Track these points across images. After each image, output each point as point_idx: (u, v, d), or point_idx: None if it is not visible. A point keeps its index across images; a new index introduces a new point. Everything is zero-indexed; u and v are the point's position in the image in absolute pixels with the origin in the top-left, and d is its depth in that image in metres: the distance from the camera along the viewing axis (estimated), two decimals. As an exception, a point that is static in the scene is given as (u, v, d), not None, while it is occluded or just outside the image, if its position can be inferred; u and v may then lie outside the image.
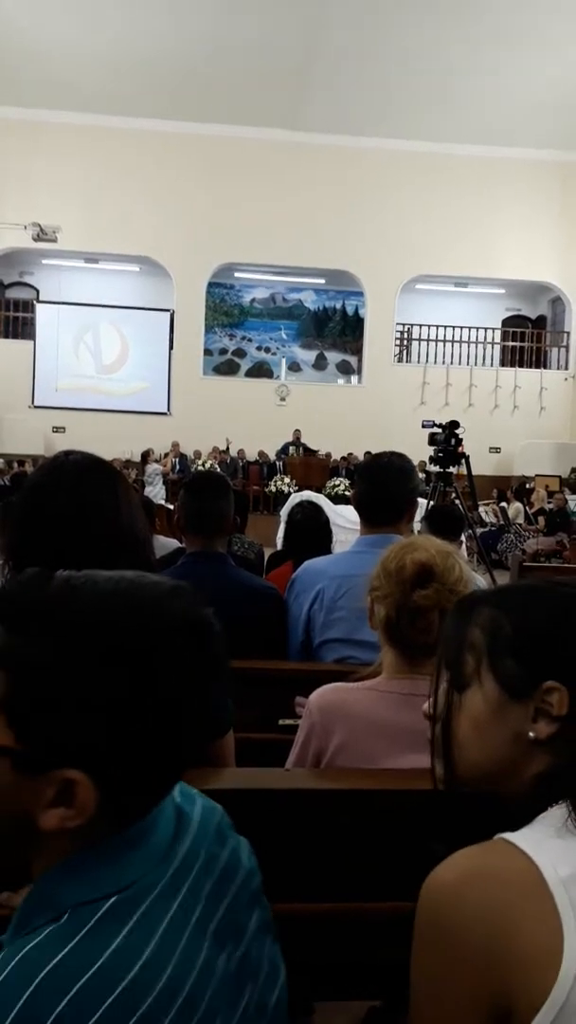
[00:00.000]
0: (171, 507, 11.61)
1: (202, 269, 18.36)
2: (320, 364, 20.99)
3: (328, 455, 17.10)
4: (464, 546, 6.55)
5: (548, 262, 18.67)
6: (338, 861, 1.42)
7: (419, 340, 19.28)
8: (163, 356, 18.37)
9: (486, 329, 19.56)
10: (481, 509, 13.51)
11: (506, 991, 0.76)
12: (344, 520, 5.81)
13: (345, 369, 20.89)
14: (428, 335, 19.14)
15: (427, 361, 18.94)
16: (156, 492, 14.55)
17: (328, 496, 10.58)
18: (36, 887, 0.77)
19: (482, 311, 20.39)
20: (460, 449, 6.86)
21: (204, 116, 17.18)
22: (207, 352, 19.40)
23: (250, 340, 20.84)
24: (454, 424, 6.93)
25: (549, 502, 14.47)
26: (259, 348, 20.83)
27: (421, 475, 7.58)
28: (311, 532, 3.82)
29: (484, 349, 19.31)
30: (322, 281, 20.14)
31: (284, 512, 5.63)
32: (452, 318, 19.38)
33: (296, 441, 17.27)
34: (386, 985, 1.68)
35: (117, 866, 0.76)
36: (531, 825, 0.86)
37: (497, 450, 17.99)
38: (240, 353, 20.80)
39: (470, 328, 19.26)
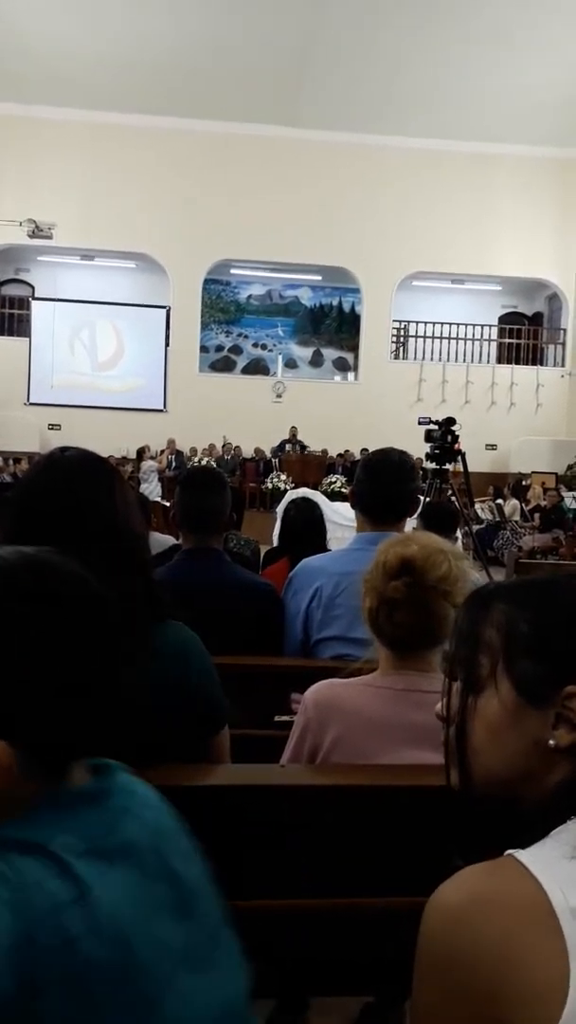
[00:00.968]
0: (167, 504, 11.63)
1: (198, 266, 18.34)
2: (316, 361, 20.98)
3: (324, 452, 17.10)
4: (460, 543, 6.55)
5: (545, 259, 18.67)
6: (333, 857, 1.43)
7: (416, 337, 19.28)
8: (159, 353, 18.35)
9: (483, 326, 19.56)
10: (477, 506, 13.52)
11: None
12: (340, 517, 5.82)
13: (342, 366, 20.88)
14: (425, 332, 19.13)
15: (423, 358, 18.93)
16: (152, 489, 14.54)
17: (324, 493, 10.56)
18: None
19: (479, 308, 20.39)
20: (456, 446, 6.85)
21: (201, 113, 17.14)
22: (203, 349, 19.38)
23: (246, 337, 20.81)
24: (450, 421, 6.92)
25: (545, 499, 14.48)
26: (255, 345, 20.81)
27: (417, 472, 7.55)
28: (305, 527, 3.83)
29: (481, 346, 19.30)
30: (319, 278, 20.12)
31: (280, 509, 5.64)
32: (449, 315, 19.37)
33: (292, 438, 17.26)
34: (380, 981, 1.69)
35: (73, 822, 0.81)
36: (544, 842, 0.81)
37: (493, 447, 18.00)
38: (236, 350, 20.77)
39: (467, 325, 19.25)
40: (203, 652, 1.51)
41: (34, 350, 17.88)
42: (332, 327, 20.96)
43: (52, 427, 17.31)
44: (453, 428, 6.86)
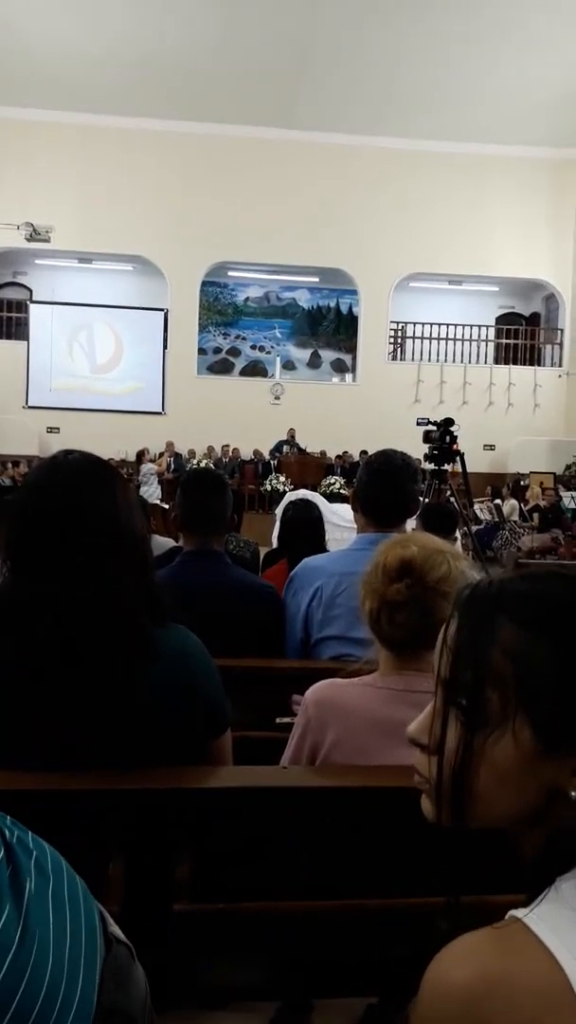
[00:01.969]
0: (166, 507, 11.63)
1: (196, 268, 18.35)
2: (314, 363, 20.99)
3: (323, 454, 17.10)
4: (459, 543, 6.56)
5: (541, 259, 18.69)
6: (335, 858, 1.43)
7: (413, 338, 19.28)
8: (157, 355, 18.35)
9: (480, 327, 19.58)
10: (476, 506, 13.53)
11: None
12: (339, 519, 5.81)
13: (339, 367, 20.89)
14: (422, 333, 19.14)
15: (421, 359, 18.94)
16: (152, 492, 14.55)
17: (323, 495, 10.55)
18: None
19: (476, 309, 20.40)
20: (455, 447, 6.85)
21: (198, 115, 17.16)
22: (201, 351, 19.39)
23: (244, 339, 20.82)
24: (448, 422, 6.92)
25: (543, 499, 14.50)
26: (253, 347, 20.82)
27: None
28: (304, 527, 3.83)
29: (478, 347, 19.32)
30: (316, 279, 20.13)
31: (279, 511, 5.63)
32: (446, 316, 19.38)
33: (291, 440, 17.28)
34: (384, 982, 1.69)
35: None
36: (549, 900, 0.72)
37: (491, 447, 18.00)
38: (234, 352, 20.79)
39: (464, 326, 19.26)
40: (205, 654, 1.52)
41: (32, 353, 17.88)
42: (330, 329, 20.98)
43: (51, 430, 17.31)
44: (451, 429, 6.86)
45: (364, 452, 15.66)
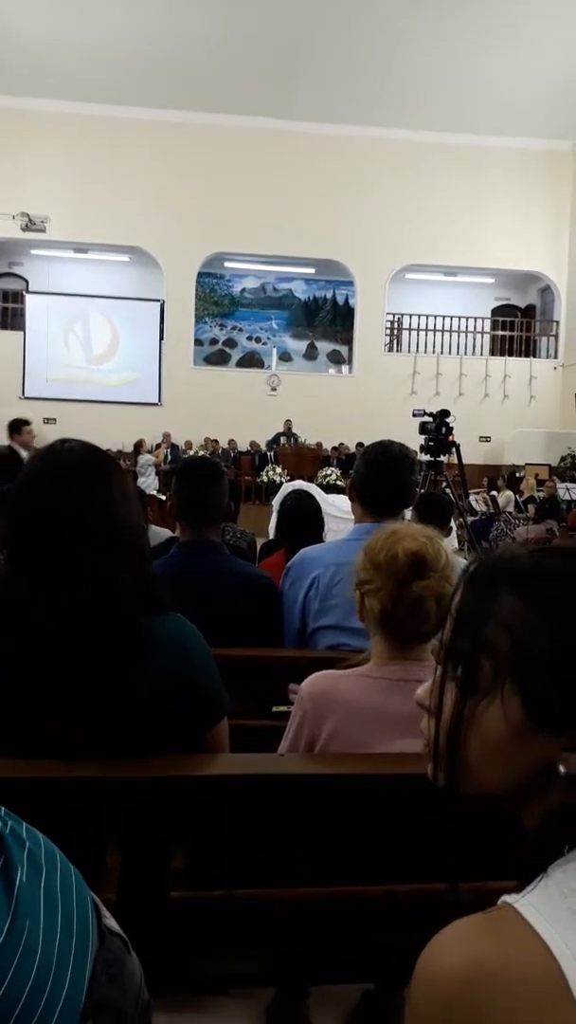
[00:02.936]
0: (162, 497, 11.62)
1: (192, 259, 18.29)
2: (311, 354, 20.97)
3: (319, 445, 17.10)
4: (455, 534, 6.57)
5: (537, 251, 18.67)
6: (331, 846, 1.43)
7: (409, 330, 19.27)
8: (153, 346, 18.30)
9: (476, 319, 19.57)
10: (472, 498, 13.54)
11: None
12: (336, 510, 5.81)
13: (336, 359, 20.88)
14: (418, 325, 19.13)
15: (417, 351, 18.94)
16: (149, 483, 14.53)
17: (320, 486, 10.56)
18: None
19: (472, 300, 20.38)
20: (450, 438, 6.88)
21: (194, 105, 17.08)
22: (198, 342, 19.35)
23: (240, 330, 20.79)
24: (444, 413, 6.94)
25: (540, 490, 14.51)
26: (250, 338, 20.79)
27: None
28: (303, 518, 3.83)
29: (474, 338, 19.32)
30: (312, 271, 20.09)
31: (276, 502, 5.63)
32: (442, 307, 19.36)
33: (287, 431, 17.27)
34: (379, 969, 1.70)
35: None
36: (544, 883, 0.71)
37: (487, 439, 18.01)
38: (231, 343, 20.76)
39: (460, 318, 19.25)
40: (202, 644, 1.52)
41: (28, 344, 17.81)
42: (326, 320, 20.95)
43: (47, 421, 17.25)
44: (447, 420, 6.89)
45: (360, 444, 15.66)
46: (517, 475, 16.41)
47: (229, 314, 20.74)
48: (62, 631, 1.33)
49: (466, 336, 19.21)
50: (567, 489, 14.58)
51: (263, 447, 17.26)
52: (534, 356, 19.38)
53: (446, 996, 0.66)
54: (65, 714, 1.34)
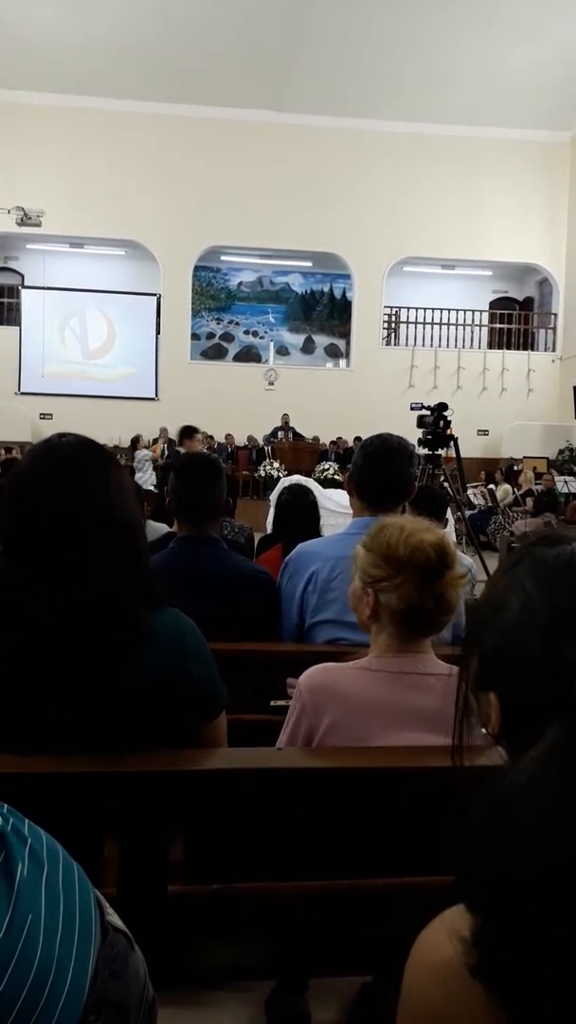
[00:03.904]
0: (160, 492, 11.60)
1: (188, 253, 18.25)
2: (308, 348, 20.93)
3: (317, 439, 17.08)
4: (452, 527, 6.57)
5: (535, 244, 18.63)
6: (330, 839, 1.44)
7: (407, 323, 19.24)
8: (150, 341, 18.27)
9: (474, 311, 19.52)
10: (470, 491, 13.55)
11: None
12: (334, 504, 5.81)
13: (333, 353, 20.84)
14: (416, 318, 19.10)
15: (415, 344, 18.91)
16: (146, 478, 14.50)
17: (318, 480, 10.56)
18: None
19: (469, 293, 20.34)
20: (448, 431, 6.86)
21: (190, 98, 17.01)
22: (194, 336, 19.32)
23: (237, 324, 20.75)
24: (442, 406, 6.93)
25: (538, 483, 14.52)
26: (247, 332, 20.75)
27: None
28: (299, 511, 3.83)
29: (472, 331, 19.26)
30: (309, 264, 20.05)
31: (273, 496, 5.64)
32: (439, 301, 19.32)
33: (285, 425, 17.25)
34: (378, 961, 1.70)
35: None
36: None
37: (485, 432, 18.00)
38: (228, 337, 20.71)
39: (458, 311, 19.21)
40: (199, 637, 1.52)
41: (24, 339, 17.78)
42: (323, 313, 20.91)
43: (44, 416, 17.25)
44: (445, 413, 6.87)
45: (358, 438, 15.64)
46: (515, 468, 16.41)
47: (226, 308, 20.69)
48: (60, 625, 1.32)
49: (464, 329, 19.17)
50: (565, 482, 14.60)
51: (260, 441, 17.25)
52: (532, 349, 19.35)
53: (436, 988, 0.67)
54: (63, 708, 1.34)
